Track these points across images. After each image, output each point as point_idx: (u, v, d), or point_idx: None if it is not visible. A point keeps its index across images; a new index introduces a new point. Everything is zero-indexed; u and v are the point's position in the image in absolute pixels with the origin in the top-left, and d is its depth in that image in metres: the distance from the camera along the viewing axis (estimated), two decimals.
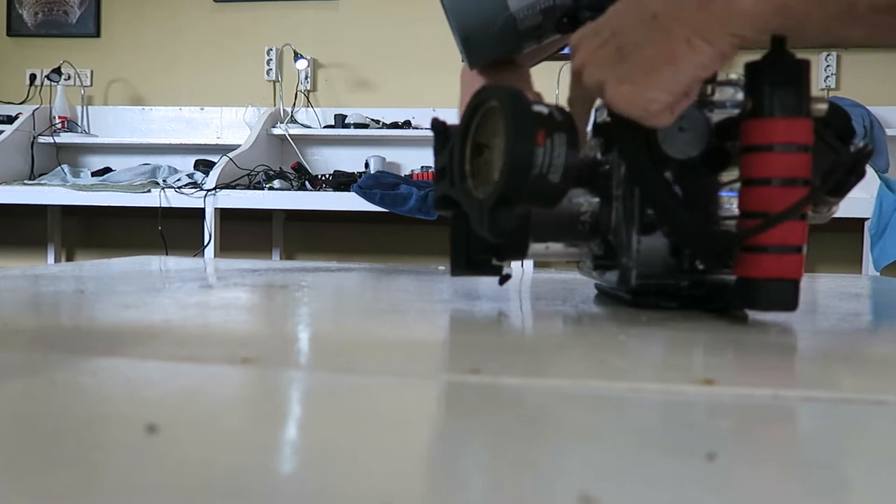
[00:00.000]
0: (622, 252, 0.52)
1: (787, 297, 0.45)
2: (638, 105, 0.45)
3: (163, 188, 2.73)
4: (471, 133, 0.49)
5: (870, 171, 2.54)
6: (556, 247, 0.55)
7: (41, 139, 3.19)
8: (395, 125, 3.17)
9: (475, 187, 0.48)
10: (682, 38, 0.43)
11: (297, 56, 3.20)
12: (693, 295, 0.52)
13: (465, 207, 0.49)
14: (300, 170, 3.01)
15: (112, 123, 3.44)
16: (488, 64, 0.60)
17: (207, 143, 3.22)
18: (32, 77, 3.46)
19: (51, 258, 3.43)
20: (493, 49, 0.58)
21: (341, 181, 2.84)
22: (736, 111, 0.49)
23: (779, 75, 0.44)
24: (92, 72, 3.50)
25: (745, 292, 0.46)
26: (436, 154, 0.54)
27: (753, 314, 0.50)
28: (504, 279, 0.56)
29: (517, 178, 0.44)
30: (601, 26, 0.47)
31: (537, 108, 0.44)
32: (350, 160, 3.19)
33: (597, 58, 0.46)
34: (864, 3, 0.40)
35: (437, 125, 0.53)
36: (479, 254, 0.54)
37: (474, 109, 0.49)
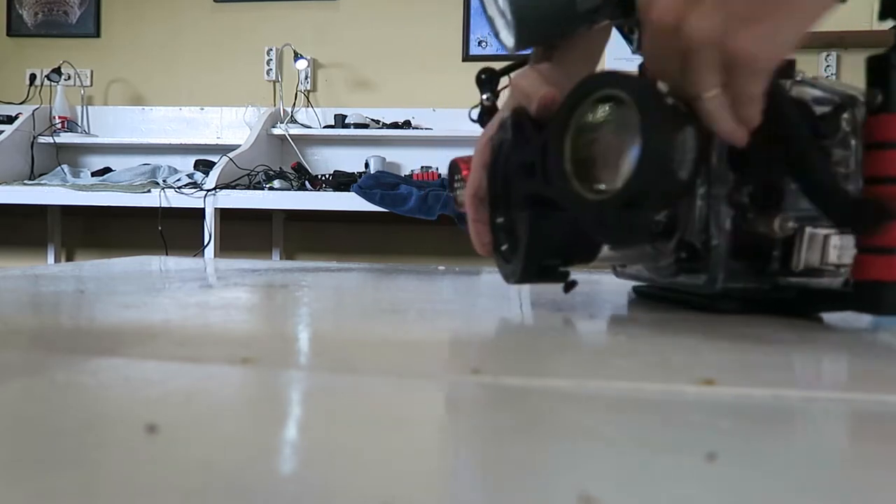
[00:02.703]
0: (707, 254, 0.48)
1: None
2: (775, 51, 0.38)
3: (163, 188, 2.73)
4: (573, 126, 0.44)
5: None
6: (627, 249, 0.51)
7: (41, 139, 3.19)
8: (395, 125, 3.17)
9: (584, 188, 0.43)
10: None
11: (297, 56, 3.20)
12: (777, 298, 0.49)
13: (571, 209, 0.44)
14: (300, 170, 3.01)
15: (112, 123, 3.44)
16: (537, 46, 0.57)
17: (207, 143, 3.22)
18: (32, 77, 3.46)
19: (51, 258, 3.44)
20: (548, 31, 0.55)
21: (341, 181, 2.84)
22: (826, 108, 0.46)
23: None
24: (92, 72, 3.50)
25: (867, 296, 0.44)
26: (516, 146, 0.49)
27: (761, 324, 0.50)
28: (570, 286, 0.51)
29: (652, 176, 0.39)
30: None
31: (669, 99, 0.40)
32: (350, 160, 3.19)
33: (701, 4, 0.38)
34: None
35: (520, 117, 0.48)
36: (547, 259, 0.49)
37: (579, 98, 0.43)
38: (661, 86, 0.42)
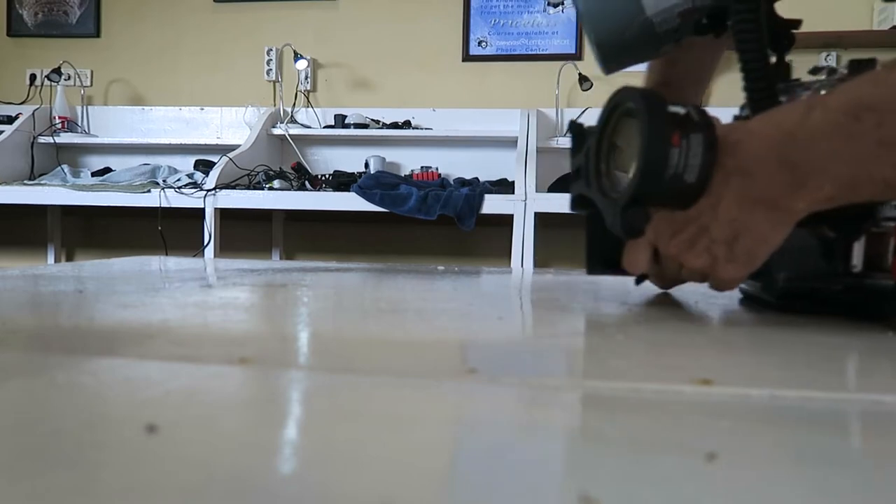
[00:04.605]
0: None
1: None
2: (744, 274, 0.48)
3: (163, 188, 2.73)
4: (607, 134, 0.49)
5: None
6: None
7: (41, 139, 3.20)
8: (394, 125, 3.17)
9: (611, 188, 0.48)
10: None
11: (297, 56, 3.20)
12: (847, 300, 0.50)
13: (600, 206, 0.49)
14: (300, 170, 3.01)
15: (112, 123, 3.44)
16: (624, 68, 0.59)
17: (207, 143, 3.23)
18: (32, 77, 3.46)
19: (51, 258, 3.44)
20: (630, 54, 0.56)
21: (341, 181, 2.84)
22: None
23: None
24: (92, 72, 3.50)
25: None
26: (572, 155, 0.54)
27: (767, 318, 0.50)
28: (640, 279, 0.55)
29: (651, 178, 0.44)
30: (682, 223, 0.48)
31: (673, 108, 0.44)
32: (350, 160, 3.19)
33: (693, 250, 0.48)
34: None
35: (576, 128, 0.54)
36: (615, 253, 0.53)
37: (611, 110, 0.49)
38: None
